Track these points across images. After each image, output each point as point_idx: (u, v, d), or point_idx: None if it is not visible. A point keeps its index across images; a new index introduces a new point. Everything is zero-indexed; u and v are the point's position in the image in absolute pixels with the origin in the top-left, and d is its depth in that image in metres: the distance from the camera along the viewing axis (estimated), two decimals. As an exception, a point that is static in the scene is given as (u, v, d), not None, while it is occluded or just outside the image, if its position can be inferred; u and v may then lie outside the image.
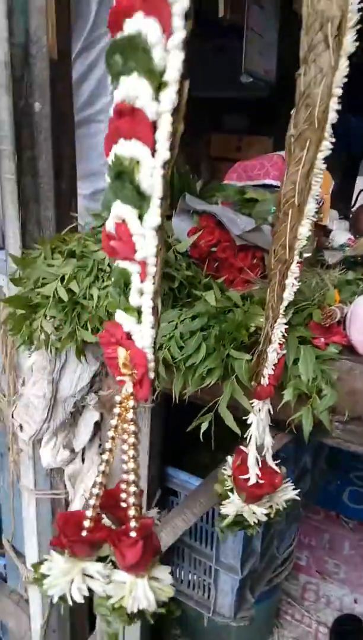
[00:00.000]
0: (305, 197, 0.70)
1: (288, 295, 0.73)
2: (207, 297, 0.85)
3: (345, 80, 0.67)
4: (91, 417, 1.15)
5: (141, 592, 0.46)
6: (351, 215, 1.78)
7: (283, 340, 0.74)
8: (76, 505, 1.19)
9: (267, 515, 0.74)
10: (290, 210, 0.71)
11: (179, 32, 0.43)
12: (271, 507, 0.75)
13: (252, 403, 0.78)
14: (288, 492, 0.76)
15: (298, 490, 0.79)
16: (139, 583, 0.47)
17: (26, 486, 1.28)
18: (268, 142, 3.26)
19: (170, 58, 0.44)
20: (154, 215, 0.46)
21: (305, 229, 0.71)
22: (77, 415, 1.20)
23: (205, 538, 1.27)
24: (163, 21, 0.43)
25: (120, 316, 0.48)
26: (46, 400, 1.10)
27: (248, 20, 1.86)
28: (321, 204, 1.84)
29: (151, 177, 0.44)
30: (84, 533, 0.50)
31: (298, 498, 0.78)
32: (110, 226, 0.47)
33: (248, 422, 0.78)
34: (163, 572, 0.50)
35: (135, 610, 0.45)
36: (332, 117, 0.69)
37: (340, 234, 1.74)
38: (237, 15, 1.84)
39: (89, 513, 0.51)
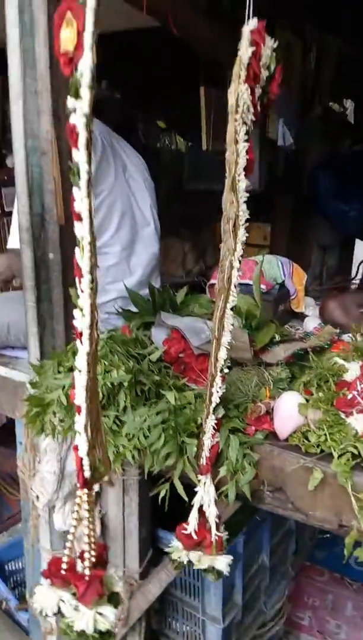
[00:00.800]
0: (220, 334, 1.01)
1: (215, 399, 1.03)
2: (168, 397, 1.16)
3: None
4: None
5: (85, 618, 0.74)
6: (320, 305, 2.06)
7: (215, 431, 1.04)
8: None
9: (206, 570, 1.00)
10: (214, 341, 1.03)
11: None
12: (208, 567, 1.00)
13: (198, 477, 1.06)
14: (222, 561, 1.01)
15: (231, 559, 1.03)
16: (86, 612, 0.75)
17: (44, 546, 1.56)
18: (266, 229, 3.67)
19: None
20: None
21: (222, 354, 1.02)
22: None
23: (192, 591, 1.50)
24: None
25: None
26: (56, 475, 1.40)
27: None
28: (294, 295, 2.16)
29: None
30: (61, 571, 0.80)
31: (225, 572, 1.02)
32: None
33: (196, 489, 1.06)
34: (107, 610, 0.78)
35: (78, 630, 0.74)
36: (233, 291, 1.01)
37: (312, 321, 2.03)
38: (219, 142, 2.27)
39: (64, 559, 0.81)
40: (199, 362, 1.30)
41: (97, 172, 1.63)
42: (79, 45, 0.67)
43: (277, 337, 1.67)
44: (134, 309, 1.58)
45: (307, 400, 1.12)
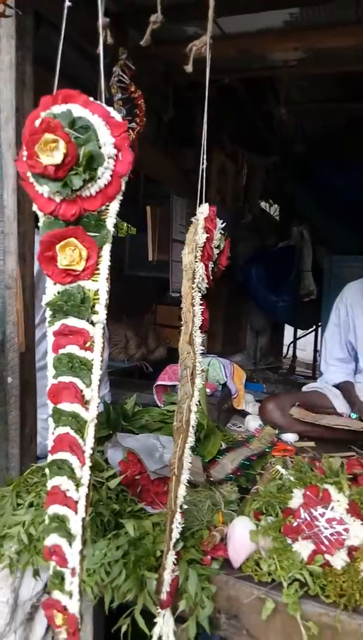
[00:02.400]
0: (180, 472, 1.11)
1: (175, 535, 1.10)
2: (128, 528, 1.21)
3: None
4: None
5: None
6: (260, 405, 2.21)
7: (174, 565, 1.10)
8: None
9: None
10: (173, 478, 1.12)
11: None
12: None
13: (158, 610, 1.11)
14: None
15: None
16: None
17: None
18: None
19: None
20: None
21: (182, 491, 1.10)
22: (34, 613, 1.46)
23: None
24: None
25: (57, 595, 0.84)
26: (9, 605, 1.37)
27: (171, 255, 2.49)
28: (235, 395, 2.31)
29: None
30: None
31: None
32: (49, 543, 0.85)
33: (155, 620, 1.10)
34: None
35: None
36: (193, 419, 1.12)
37: (253, 420, 2.18)
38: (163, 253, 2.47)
39: None
40: (155, 485, 1.37)
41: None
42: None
43: (223, 445, 1.80)
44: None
45: (257, 526, 1.22)
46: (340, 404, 2.16)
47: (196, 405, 1.13)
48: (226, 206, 2.97)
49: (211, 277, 1.16)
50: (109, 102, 1.53)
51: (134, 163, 0.75)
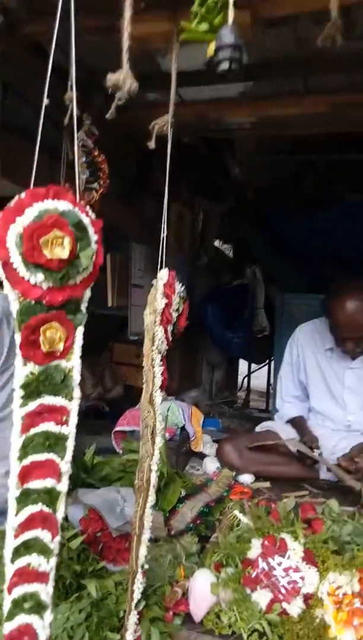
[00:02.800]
0: (141, 531, 1.14)
1: (137, 595, 1.12)
2: (90, 589, 1.22)
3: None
4: None
5: None
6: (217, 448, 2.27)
7: (137, 625, 1.12)
8: None
9: None
10: (135, 538, 1.15)
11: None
12: None
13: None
14: None
15: None
16: None
17: None
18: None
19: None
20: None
21: (143, 551, 1.13)
22: None
23: None
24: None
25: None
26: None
27: (131, 299, 2.55)
28: (193, 437, 2.36)
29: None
30: None
31: None
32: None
33: None
34: None
35: None
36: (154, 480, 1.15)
37: (210, 462, 2.23)
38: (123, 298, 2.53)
39: None
40: (116, 542, 1.39)
41: (10, 351, 1.74)
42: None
43: (183, 492, 1.83)
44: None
45: (218, 579, 1.26)
46: (288, 436, 2.23)
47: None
48: (183, 251, 3.09)
49: (170, 339, 1.23)
50: (72, 164, 1.60)
51: (96, 216, 0.82)
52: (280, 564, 1.28)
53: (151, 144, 1.11)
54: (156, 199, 1.32)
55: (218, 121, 2.01)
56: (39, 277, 0.76)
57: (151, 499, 1.17)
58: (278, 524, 1.43)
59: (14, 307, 0.80)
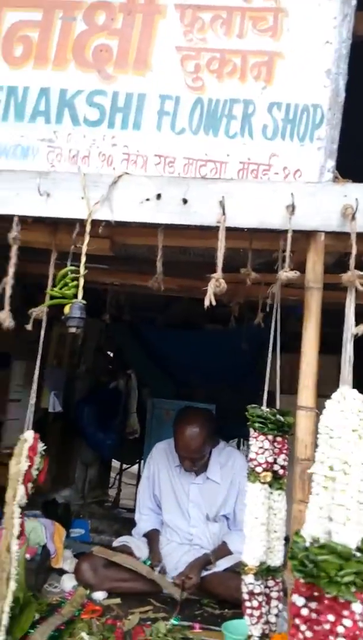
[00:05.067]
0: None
1: None
2: None
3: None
4: None
5: None
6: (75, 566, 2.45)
7: None
8: None
9: None
10: None
11: None
12: None
13: None
14: None
15: None
16: None
17: None
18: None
19: None
20: None
21: None
22: None
23: None
24: None
25: None
26: None
27: (7, 414, 2.74)
28: (54, 554, 2.52)
29: None
30: None
31: None
32: None
33: None
34: None
35: None
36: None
37: (68, 580, 2.40)
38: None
39: None
40: None
41: None
42: None
43: (36, 616, 1.99)
44: None
45: None
46: (140, 553, 2.51)
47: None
48: (62, 365, 3.38)
49: (29, 493, 1.51)
50: None
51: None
52: None
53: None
54: (37, 321, 1.58)
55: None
56: None
57: (1, 637, 1.37)
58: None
59: None
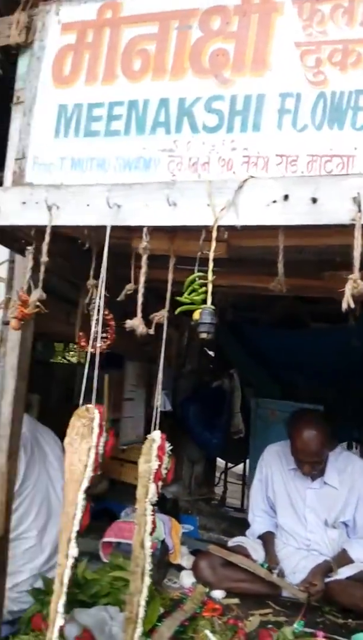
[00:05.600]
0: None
1: None
2: None
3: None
4: None
5: None
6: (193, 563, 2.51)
7: None
8: None
9: None
10: None
11: None
12: None
13: None
14: None
15: None
16: None
17: None
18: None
19: None
20: None
21: None
22: None
23: None
24: None
25: None
26: None
27: (123, 412, 2.89)
28: (172, 550, 2.60)
29: None
30: None
31: None
32: None
33: None
34: None
35: None
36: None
37: (187, 577, 2.46)
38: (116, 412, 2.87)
39: None
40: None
41: (26, 471, 2.03)
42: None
43: (161, 609, 2.07)
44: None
45: None
46: (257, 555, 2.50)
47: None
48: (170, 364, 3.47)
49: (160, 492, 1.56)
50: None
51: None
52: None
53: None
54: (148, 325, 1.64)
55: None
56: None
57: (139, 630, 1.44)
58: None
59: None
